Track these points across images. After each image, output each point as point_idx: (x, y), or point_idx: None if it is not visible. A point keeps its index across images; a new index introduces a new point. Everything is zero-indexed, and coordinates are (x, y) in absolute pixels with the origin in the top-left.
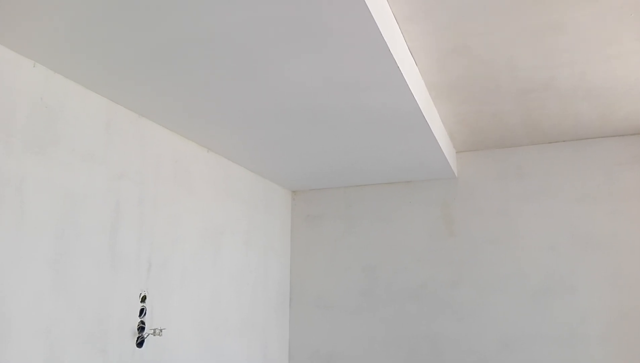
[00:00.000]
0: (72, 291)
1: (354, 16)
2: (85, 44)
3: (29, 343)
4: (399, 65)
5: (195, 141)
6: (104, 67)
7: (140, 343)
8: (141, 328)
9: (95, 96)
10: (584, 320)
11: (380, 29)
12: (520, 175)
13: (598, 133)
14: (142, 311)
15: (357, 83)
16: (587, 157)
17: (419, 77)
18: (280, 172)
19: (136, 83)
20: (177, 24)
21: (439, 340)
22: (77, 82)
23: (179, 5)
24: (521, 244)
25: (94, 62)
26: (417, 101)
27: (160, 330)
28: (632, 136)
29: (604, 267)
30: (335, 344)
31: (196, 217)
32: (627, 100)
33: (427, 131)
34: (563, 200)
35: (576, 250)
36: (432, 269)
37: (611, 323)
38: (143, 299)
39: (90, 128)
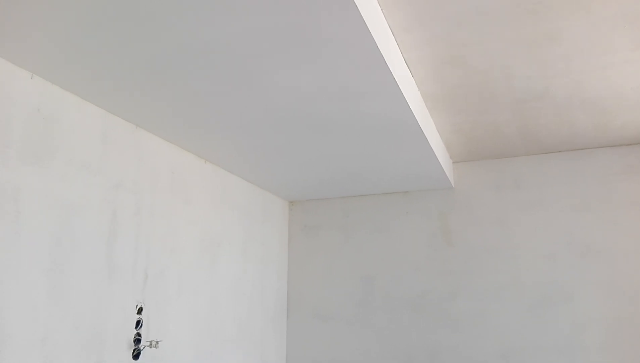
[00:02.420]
0: (68, 301)
1: (350, 26)
2: (82, 56)
3: (24, 353)
4: (394, 75)
5: (192, 152)
6: (101, 78)
7: (136, 356)
8: (137, 340)
9: (92, 107)
10: (582, 329)
11: (375, 39)
12: (517, 185)
13: (594, 143)
14: (138, 323)
15: (353, 93)
16: (583, 167)
17: (414, 87)
18: (278, 182)
19: (133, 94)
20: (174, 35)
21: (437, 350)
22: (74, 94)
23: (175, 17)
24: (519, 253)
25: (91, 74)
26: (413, 111)
27: (157, 342)
28: (628, 146)
29: (601, 276)
30: (333, 355)
31: (193, 228)
32: (623, 110)
33: (424, 141)
34: (560, 210)
35: (573, 259)
36: (430, 279)
37: (609, 332)
38: (139, 311)
39: (87, 139)
